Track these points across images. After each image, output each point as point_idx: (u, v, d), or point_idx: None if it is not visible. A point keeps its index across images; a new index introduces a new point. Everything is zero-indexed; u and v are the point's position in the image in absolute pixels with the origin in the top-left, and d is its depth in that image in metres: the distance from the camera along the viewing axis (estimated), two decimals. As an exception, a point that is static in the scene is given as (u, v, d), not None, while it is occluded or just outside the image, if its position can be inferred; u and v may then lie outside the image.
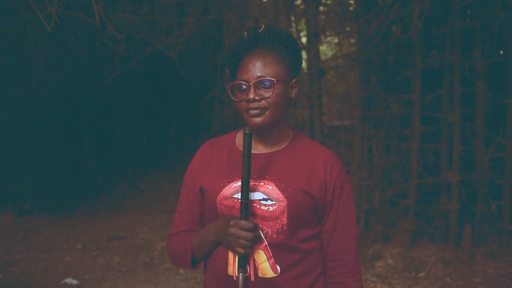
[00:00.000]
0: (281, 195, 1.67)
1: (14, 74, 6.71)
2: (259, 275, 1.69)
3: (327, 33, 6.30)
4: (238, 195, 1.69)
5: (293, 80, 1.73)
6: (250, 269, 1.69)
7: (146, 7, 5.56)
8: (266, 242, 1.68)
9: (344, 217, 1.75)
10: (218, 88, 9.40)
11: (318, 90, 5.64)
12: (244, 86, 1.67)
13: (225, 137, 1.87)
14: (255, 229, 1.62)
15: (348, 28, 6.14)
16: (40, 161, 7.18)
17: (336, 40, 7.09)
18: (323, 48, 8.39)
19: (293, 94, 1.74)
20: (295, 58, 1.76)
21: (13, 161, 6.89)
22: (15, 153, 6.91)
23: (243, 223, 1.61)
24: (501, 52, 5.19)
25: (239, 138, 1.84)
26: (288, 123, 1.84)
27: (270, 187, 1.68)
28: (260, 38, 1.71)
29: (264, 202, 1.67)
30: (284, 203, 1.66)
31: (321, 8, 6.14)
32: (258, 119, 1.67)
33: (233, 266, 1.70)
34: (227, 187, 1.72)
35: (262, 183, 1.69)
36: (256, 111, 1.66)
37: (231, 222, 1.63)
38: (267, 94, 1.65)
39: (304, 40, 6.14)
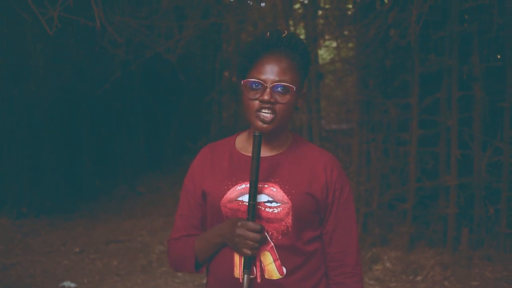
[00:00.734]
0: (285, 197, 1.69)
1: (13, 76, 6.71)
2: (266, 276, 1.70)
3: (326, 37, 6.33)
4: (243, 198, 1.70)
5: (303, 91, 1.76)
6: (256, 271, 1.70)
7: (146, 11, 5.58)
8: (272, 244, 1.69)
9: (344, 218, 1.77)
10: (217, 91, 9.41)
11: (316, 94, 5.66)
12: (260, 86, 1.67)
13: (225, 141, 1.88)
14: (262, 230, 1.63)
15: (346, 32, 6.18)
16: (38, 163, 7.18)
17: (334, 44, 7.12)
18: (321, 52, 8.41)
19: (299, 104, 1.76)
20: (306, 69, 1.78)
21: (11, 163, 6.88)
22: (13, 155, 6.91)
23: (251, 224, 1.62)
24: (499, 56, 5.21)
25: (238, 142, 1.85)
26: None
27: (274, 190, 1.70)
28: (282, 43, 1.71)
29: (269, 204, 1.69)
30: (288, 205, 1.68)
31: (320, 12, 6.16)
32: (267, 125, 1.67)
33: (239, 268, 1.71)
34: (231, 190, 1.73)
35: (266, 185, 1.71)
36: (268, 116, 1.66)
37: (239, 224, 1.64)
38: (281, 100, 1.66)
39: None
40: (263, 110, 1.67)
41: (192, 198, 1.83)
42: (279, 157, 1.77)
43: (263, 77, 1.67)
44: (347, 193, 1.78)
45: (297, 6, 6.54)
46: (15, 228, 6.34)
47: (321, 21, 6.21)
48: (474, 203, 4.90)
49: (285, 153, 1.78)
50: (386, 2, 5.17)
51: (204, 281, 5.05)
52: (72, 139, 7.94)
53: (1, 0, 5.37)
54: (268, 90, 1.65)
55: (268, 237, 1.69)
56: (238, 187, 1.72)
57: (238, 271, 1.72)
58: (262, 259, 1.70)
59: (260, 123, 1.67)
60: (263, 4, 6.34)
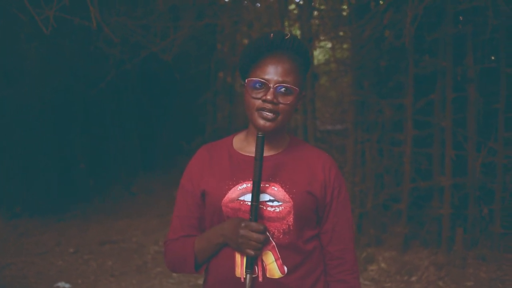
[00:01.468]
0: (287, 196, 1.71)
1: (7, 76, 6.68)
2: (267, 275, 1.71)
3: (321, 38, 6.34)
4: (244, 197, 1.72)
5: (303, 93, 1.79)
6: (258, 270, 1.71)
7: (141, 11, 5.57)
8: (274, 243, 1.71)
9: (342, 216, 1.81)
10: (212, 91, 9.41)
11: (311, 94, 5.67)
12: (264, 86, 1.70)
13: (222, 142, 1.90)
14: (265, 231, 1.65)
15: (341, 33, 6.19)
16: (32, 163, 7.15)
17: (329, 45, 7.13)
18: (316, 53, 8.43)
19: (298, 106, 1.79)
20: (306, 72, 1.82)
21: (5, 163, 6.86)
22: (7, 156, 6.88)
23: (254, 225, 1.63)
24: (493, 58, 5.25)
25: (236, 142, 1.87)
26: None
27: (276, 189, 1.72)
28: (285, 44, 1.73)
29: (270, 203, 1.71)
30: (290, 204, 1.70)
31: (315, 13, 6.17)
32: (268, 123, 1.70)
33: (240, 268, 1.72)
34: (232, 190, 1.74)
35: (267, 185, 1.73)
36: (270, 115, 1.69)
37: (243, 224, 1.64)
38: (284, 101, 1.69)
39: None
40: (265, 109, 1.69)
41: (191, 198, 1.83)
42: (278, 156, 1.80)
43: (266, 77, 1.69)
44: (344, 192, 1.82)
45: (292, 7, 6.55)
46: (9, 229, 6.31)
47: (316, 21, 6.23)
48: (468, 204, 4.92)
49: (284, 152, 1.81)
50: (381, 3, 5.19)
51: (199, 281, 5.05)
52: (66, 140, 7.91)
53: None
54: (271, 90, 1.68)
55: (270, 237, 1.71)
56: (240, 187, 1.73)
57: (239, 271, 1.73)
58: (264, 258, 1.71)
59: (261, 122, 1.70)
60: (258, 5, 6.35)
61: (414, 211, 5.32)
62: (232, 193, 1.73)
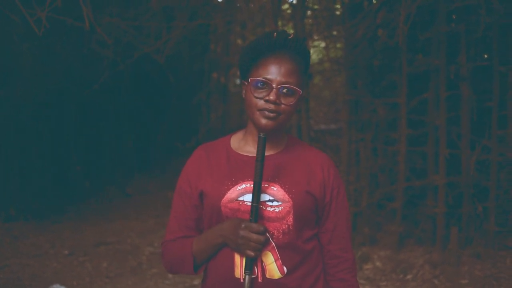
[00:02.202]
0: (286, 196, 1.71)
1: (0, 77, 6.65)
2: (267, 276, 1.71)
3: (314, 37, 6.34)
4: (243, 198, 1.71)
5: (303, 94, 1.78)
6: (258, 271, 1.71)
7: (134, 12, 5.56)
8: (273, 244, 1.70)
9: (342, 216, 1.82)
10: (205, 92, 9.40)
11: (305, 94, 5.66)
12: (267, 86, 1.69)
13: (219, 142, 1.88)
14: (265, 232, 1.65)
15: (335, 33, 6.20)
16: (27, 165, 7.12)
17: (323, 44, 7.14)
18: (310, 52, 8.42)
19: (299, 106, 1.79)
20: (306, 73, 1.81)
21: (-1, 166, 6.83)
22: (1, 158, 6.85)
23: (255, 226, 1.63)
24: (486, 56, 5.27)
25: (234, 142, 1.85)
26: None
27: (275, 189, 1.72)
28: (287, 44, 1.72)
29: (270, 203, 1.70)
30: (289, 204, 1.70)
31: (308, 12, 6.18)
32: (270, 123, 1.69)
33: (240, 268, 1.71)
34: (231, 190, 1.73)
35: (266, 185, 1.72)
36: (272, 114, 1.68)
37: (243, 225, 1.64)
38: (286, 101, 1.69)
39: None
40: (267, 109, 1.68)
41: (188, 199, 1.81)
42: (277, 156, 1.79)
43: (269, 77, 1.68)
44: (343, 192, 1.83)
45: (285, 6, 6.55)
46: (3, 231, 6.28)
47: (310, 21, 6.23)
48: (462, 202, 4.93)
49: (282, 152, 1.81)
50: (375, 2, 5.20)
51: (195, 282, 5.04)
52: (61, 141, 7.89)
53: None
54: (274, 90, 1.67)
55: (269, 238, 1.70)
56: (239, 187, 1.72)
57: (238, 271, 1.72)
58: (263, 259, 1.71)
59: (263, 121, 1.69)
60: (251, 5, 6.34)
61: (408, 210, 5.33)
62: (231, 194, 1.72)
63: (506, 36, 4.80)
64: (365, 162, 5.47)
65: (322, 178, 1.77)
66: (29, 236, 6.20)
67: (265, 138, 1.65)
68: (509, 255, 4.75)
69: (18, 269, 5.18)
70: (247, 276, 1.66)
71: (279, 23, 6.26)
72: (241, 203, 1.71)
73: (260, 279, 1.71)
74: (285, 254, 1.71)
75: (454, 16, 5.11)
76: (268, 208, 1.70)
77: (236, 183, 1.73)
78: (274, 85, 1.68)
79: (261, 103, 1.68)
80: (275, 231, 1.70)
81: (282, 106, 1.69)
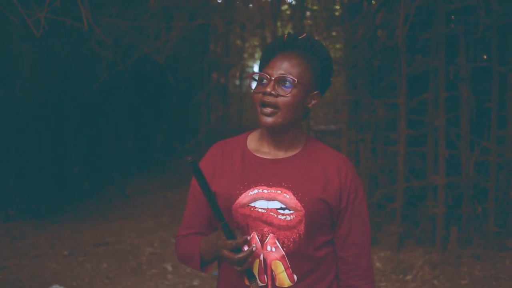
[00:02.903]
0: (299, 204, 1.65)
1: (-1, 78, 6.66)
2: (277, 284, 1.69)
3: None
4: (255, 204, 1.68)
5: (315, 92, 1.71)
6: (268, 279, 1.69)
7: (133, 12, 5.56)
8: (283, 253, 1.67)
9: (358, 221, 1.74)
10: (205, 92, 9.41)
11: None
12: (265, 80, 1.66)
13: (236, 139, 1.84)
14: (242, 245, 1.59)
15: (334, 33, 6.21)
16: (26, 166, 7.12)
17: (322, 45, 7.12)
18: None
19: (311, 105, 1.72)
20: (324, 74, 1.74)
21: (-2, 166, 6.82)
22: (0, 158, 6.84)
23: (228, 243, 1.59)
24: (485, 56, 5.27)
25: (250, 142, 1.81)
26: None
27: (287, 196, 1.66)
28: (297, 44, 1.70)
29: (281, 211, 1.66)
30: (301, 213, 1.65)
31: (308, 13, 6.18)
32: (269, 119, 1.65)
33: (261, 275, 1.70)
34: (243, 195, 1.69)
35: (279, 191, 1.67)
36: (268, 110, 1.64)
37: (219, 243, 1.62)
38: (283, 93, 1.63)
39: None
40: (265, 103, 1.64)
41: (201, 197, 1.78)
42: (291, 159, 1.73)
43: (269, 71, 1.66)
44: (361, 196, 1.75)
45: (285, 7, 6.56)
46: (2, 232, 6.28)
47: (309, 22, 6.24)
48: (462, 202, 4.93)
49: (298, 155, 1.74)
50: (374, 3, 5.20)
51: (195, 283, 5.05)
52: (60, 141, 7.88)
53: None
54: (271, 83, 1.64)
55: (278, 243, 1.67)
56: (251, 192, 1.69)
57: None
58: (273, 268, 1.68)
59: (263, 118, 1.65)
60: (251, 5, 6.35)
61: (408, 210, 5.33)
62: (243, 199, 1.69)
63: (505, 36, 4.80)
64: (364, 163, 5.47)
65: (339, 183, 1.70)
66: (28, 237, 6.20)
67: (194, 163, 1.55)
68: (509, 255, 4.75)
69: (17, 270, 5.18)
70: (253, 284, 1.65)
71: (278, 23, 6.26)
72: (252, 209, 1.68)
73: (270, 287, 1.69)
74: (295, 262, 1.68)
75: (453, 17, 5.11)
76: (279, 216, 1.66)
77: (248, 187, 1.69)
78: (272, 77, 1.65)
79: (259, 96, 1.66)
80: (286, 239, 1.66)
81: (280, 98, 1.63)
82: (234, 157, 1.77)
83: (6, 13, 3.65)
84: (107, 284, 4.92)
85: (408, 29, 4.48)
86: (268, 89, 1.63)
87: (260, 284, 1.68)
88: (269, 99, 1.63)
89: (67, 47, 7.14)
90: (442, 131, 4.89)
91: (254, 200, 1.68)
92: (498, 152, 4.76)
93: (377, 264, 4.97)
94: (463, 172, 4.87)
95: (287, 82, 1.64)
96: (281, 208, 1.66)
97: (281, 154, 1.74)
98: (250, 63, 14.79)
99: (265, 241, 1.67)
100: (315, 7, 6.22)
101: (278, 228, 1.66)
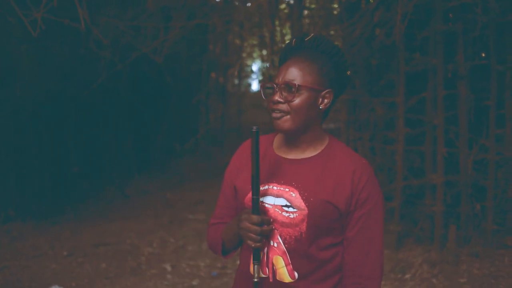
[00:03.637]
0: (303, 203, 1.68)
1: (-2, 78, 6.65)
2: (277, 278, 1.74)
3: (312, 37, 6.33)
4: (263, 199, 1.75)
5: (325, 91, 1.73)
6: (269, 272, 1.74)
7: (131, 12, 5.56)
8: (284, 249, 1.71)
9: (366, 228, 1.72)
10: (204, 92, 9.41)
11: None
12: (273, 88, 1.73)
13: (265, 138, 1.91)
14: (264, 223, 1.67)
15: (332, 32, 6.20)
16: (25, 166, 7.12)
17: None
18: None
19: (323, 105, 1.74)
20: (336, 70, 1.76)
21: (-3, 167, 6.82)
22: (0, 159, 6.84)
23: (253, 217, 1.66)
24: (483, 55, 5.27)
25: (276, 140, 1.87)
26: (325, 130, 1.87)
27: (294, 195, 1.71)
28: (304, 46, 1.75)
29: (286, 208, 1.70)
30: (305, 212, 1.67)
31: (306, 12, 6.19)
32: (279, 122, 1.72)
33: (263, 268, 1.76)
34: None
35: (287, 189, 1.72)
36: (278, 114, 1.71)
37: (242, 217, 1.69)
38: (290, 98, 1.69)
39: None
40: (274, 109, 1.72)
41: (229, 190, 1.91)
42: (307, 161, 1.76)
43: (276, 80, 1.73)
44: (374, 202, 1.72)
45: (283, 6, 6.56)
46: (2, 233, 6.28)
47: (307, 20, 6.24)
48: (461, 201, 4.94)
49: (315, 157, 1.77)
50: (372, 1, 5.20)
51: (194, 283, 5.07)
52: (59, 142, 7.88)
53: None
54: (278, 91, 1.71)
55: (280, 239, 1.72)
56: (261, 188, 1.75)
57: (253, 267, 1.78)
58: (274, 262, 1.73)
59: (275, 122, 1.73)
60: (249, 5, 6.35)
61: (407, 209, 5.33)
62: None
63: (503, 34, 4.80)
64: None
65: (351, 188, 1.69)
66: (28, 237, 6.20)
67: (257, 132, 1.65)
68: (508, 253, 4.75)
69: (17, 271, 5.18)
70: (255, 267, 1.70)
71: (276, 22, 6.26)
72: (260, 203, 1.72)
73: (271, 280, 1.74)
74: (296, 260, 1.71)
75: (451, 15, 5.11)
76: (284, 213, 1.70)
77: (260, 183, 1.73)
78: (278, 86, 1.72)
79: (270, 105, 1.73)
80: (288, 236, 1.70)
81: (288, 103, 1.70)
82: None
83: (3, 13, 3.65)
84: (106, 285, 4.92)
85: (406, 28, 4.48)
86: (276, 97, 1.71)
87: (262, 275, 1.75)
88: (278, 106, 1.71)
89: (66, 48, 7.15)
90: (441, 130, 4.89)
91: (264, 195, 1.75)
92: (496, 150, 4.77)
93: (376, 262, 4.96)
94: (461, 171, 4.87)
95: (292, 87, 1.69)
96: (286, 206, 1.71)
97: (298, 155, 1.78)
98: (248, 63, 14.78)
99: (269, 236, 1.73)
100: (313, 6, 6.22)
101: (282, 225, 1.70)
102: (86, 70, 7.47)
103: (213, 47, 9.89)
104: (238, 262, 1.98)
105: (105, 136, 8.83)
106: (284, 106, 1.70)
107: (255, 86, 15.94)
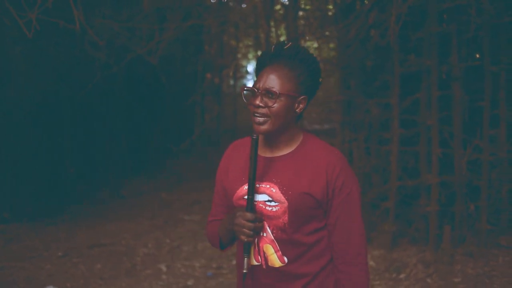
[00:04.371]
0: (282, 197, 1.87)
1: (-7, 80, 6.64)
2: (269, 264, 1.92)
3: (307, 37, 6.36)
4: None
5: (301, 97, 1.90)
6: (261, 259, 1.93)
7: (126, 13, 5.56)
8: (272, 238, 1.90)
9: (346, 212, 1.90)
10: (199, 93, 9.40)
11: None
12: (254, 93, 1.88)
13: (247, 140, 2.05)
14: (257, 220, 1.85)
15: (327, 33, 6.22)
16: (20, 168, 7.10)
17: (315, 45, 7.15)
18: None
19: (298, 109, 1.91)
20: (312, 78, 1.93)
21: (-8, 168, 6.80)
22: (-6, 161, 6.83)
23: (247, 214, 1.84)
24: (477, 56, 5.29)
25: (260, 141, 2.01)
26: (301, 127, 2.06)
27: (274, 190, 1.89)
28: (283, 53, 1.90)
29: (269, 203, 1.89)
30: (285, 204, 1.86)
31: (301, 13, 6.20)
32: (261, 127, 1.87)
33: (253, 256, 1.94)
34: (240, 189, 1.96)
35: (268, 186, 1.91)
36: (260, 119, 1.86)
37: (237, 214, 1.86)
38: (270, 104, 1.85)
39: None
40: (256, 114, 1.87)
41: (221, 189, 2.09)
42: (283, 158, 1.94)
43: (257, 84, 1.88)
44: (349, 188, 1.90)
45: (278, 7, 6.57)
46: (-3, 234, 6.27)
47: (302, 22, 6.26)
48: (455, 201, 4.96)
49: (291, 153, 1.94)
50: (366, 2, 5.22)
51: (189, 283, 5.07)
52: (55, 143, 7.87)
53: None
54: (258, 96, 1.86)
55: (268, 229, 1.90)
56: (245, 187, 1.94)
57: (252, 258, 1.95)
58: (265, 250, 1.92)
59: (255, 126, 1.88)
60: (244, 6, 6.36)
61: (402, 209, 5.35)
62: (240, 192, 1.95)
63: (497, 36, 4.83)
64: (358, 162, 5.49)
65: (326, 179, 1.87)
66: (23, 239, 6.19)
67: (256, 139, 1.84)
68: (502, 253, 4.78)
69: (12, 272, 5.17)
70: (245, 259, 1.87)
71: (272, 23, 6.28)
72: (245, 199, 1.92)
73: (264, 267, 1.93)
74: (284, 247, 1.90)
75: (445, 16, 5.13)
76: (267, 208, 1.89)
77: (245, 182, 1.94)
78: (259, 91, 1.86)
79: (252, 108, 1.88)
80: (274, 227, 1.89)
81: (267, 108, 1.85)
82: (241, 155, 2.03)
83: (-2, 15, 3.65)
84: (101, 285, 4.92)
85: (400, 29, 4.50)
86: (257, 102, 1.86)
87: (256, 263, 1.94)
88: (259, 110, 1.86)
89: (61, 49, 7.13)
90: (435, 130, 4.91)
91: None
92: (490, 150, 4.79)
93: (371, 262, 4.99)
94: (456, 171, 4.89)
95: (272, 94, 1.85)
96: (268, 201, 1.90)
97: (275, 153, 1.96)
98: (244, 63, 14.79)
99: None
100: (308, 7, 6.23)
101: (268, 218, 1.90)
102: (82, 71, 7.46)
103: (208, 48, 9.89)
104: (233, 262, 2.10)
105: (100, 137, 8.81)
106: (264, 110, 1.85)
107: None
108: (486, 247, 4.82)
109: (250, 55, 13.82)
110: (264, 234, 1.91)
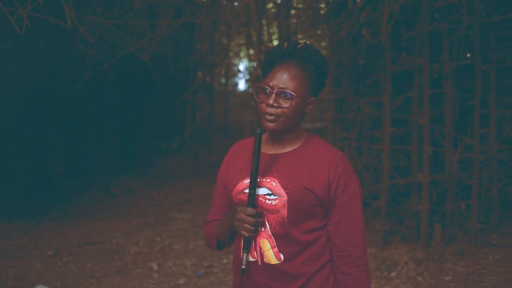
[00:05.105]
0: (282, 191, 1.88)
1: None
2: (265, 261, 1.92)
3: (299, 36, 6.36)
4: (248, 190, 1.92)
5: (312, 99, 1.94)
6: (257, 255, 1.93)
7: (118, 10, 5.52)
8: (270, 233, 1.90)
9: (349, 211, 1.91)
10: (191, 91, 9.37)
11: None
12: (267, 91, 1.88)
13: (250, 140, 2.07)
14: (258, 215, 1.86)
15: (319, 32, 6.22)
16: (9, 166, 7.04)
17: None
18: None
19: (308, 110, 1.96)
20: (320, 80, 1.96)
21: (-19, 166, 6.74)
22: (-17, 159, 6.77)
23: (249, 210, 1.85)
24: (468, 55, 5.30)
25: (263, 141, 2.03)
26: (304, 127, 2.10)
27: (274, 184, 1.91)
28: (296, 53, 1.91)
29: (268, 196, 1.90)
30: (285, 198, 1.88)
31: (293, 11, 6.20)
32: (271, 124, 1.89)
33: (252, 252, 1.94)
34: (240, 183, 1.98)
35: (268, 180, 1.92)
36: (271, 117, 1.87)
37: (238, 209, 1.87)
38: (284, 104, 1.87)
39: (275, 43, 6.18)
40: (268, 112, 1.87)
41: (222, 188, 2.10)
42: (286, 154, 1.96)
43: (271, 83, 1.88)
44: (352, 188, 1.92)
45: (270, 5, 6.56)
46: (-15, 233, 6.22)
47: (294, 20, 6.25)
48: (446, 199, 4.97)
49: (294, 150, 1.97)
50: (358, 1, 5.22)
51: (180, 282, 5.04)
52: (43, 141, 7.81)
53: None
54: (273, 95, 1.87)
55: (267, 224, 1.91)
56: (246, 181, 1.96)
57: (251, 254, 1.95)
58: (261, 245, 1.92)
59: (266, 123, 1.89)
60: (236, 4, 6.34)
61: (393, 208, 5.36)
62: (240, 186, 1.97)
63: (488, 35, 4.85)
64: (349, 161, 5.49)
65: (327, 177, 1.88)
66: (12, 237, 6.15)
67: (260, 134, 1.87)
68: (492, 252, 4.80)
69: (1, 271, 5.13)
70: (244, 255, 1.87)
71: (264, 22, 6.27)
72: (246, 194, 1.93)
73: (259, 263, 1.92)
74: (281, 242, 1.90)
75: (436, 15, 5.15)
76: (267, 201, 1.90)
77: (245, 177, 1.96)
78: (274, 90, 1.87)
79: (263, 106, 1.88)
80: (273, 221, 1.90)
81: (281, 109, 1.86)
82: (243, 154, 2.06)
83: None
84: (92, 284, 4.89)
85: (392, 28, 4.50)
86: (270, 101, 1.87)
87: (251, 259, 1.93)
88: (272, 110, 1.87)
89: (51, 46, 7.08)
90: (427, 129, 4.92)
91: (248, 187, 1.94)
92: (481, 149, 4.81)
93: (363, 261, 4.99)
94: (447, 170, 4.91)
95: (287, 95, 1.86)
96: (268, 194, 1.91)
97: (278, 150, 1.98)
98: (235, 62, 14.77)
99: None
100: (300, 6, 6.23)
101: (267, 212, 1.90)
102: (71, 69, 7.41)
103: (200, 46, 9.86)
104: (225, 261, 2.09)
105: (90, 135, 8.76)
106: (277, 110, 1.86)
107: (242, 85, 15.93)
108: (477, 246, 4.83)
109: (242, 54, 13.80)
110: (262, 229, 1.91)
